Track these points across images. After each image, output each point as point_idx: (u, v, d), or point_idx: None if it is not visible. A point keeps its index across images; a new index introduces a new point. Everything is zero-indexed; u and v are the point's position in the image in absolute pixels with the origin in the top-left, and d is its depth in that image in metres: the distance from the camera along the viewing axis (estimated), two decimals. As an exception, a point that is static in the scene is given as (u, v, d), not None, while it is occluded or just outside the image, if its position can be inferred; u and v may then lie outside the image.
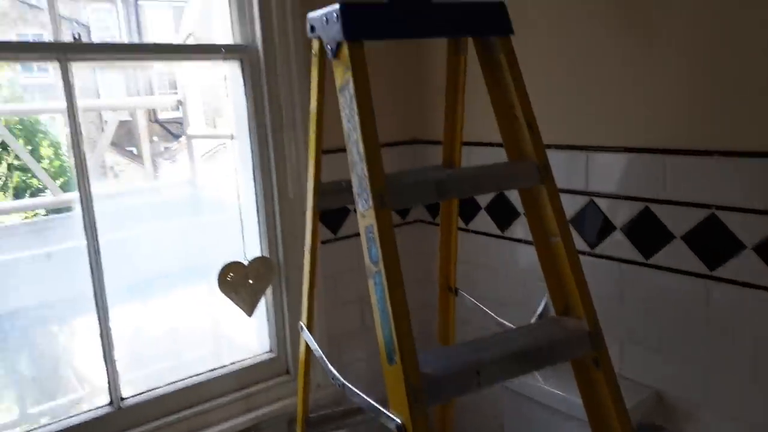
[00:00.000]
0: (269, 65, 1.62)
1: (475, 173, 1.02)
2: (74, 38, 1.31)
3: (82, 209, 1.40)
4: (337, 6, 0.90)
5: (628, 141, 1.41)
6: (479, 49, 1.05)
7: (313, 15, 0.99)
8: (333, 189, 1.22)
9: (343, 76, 0.91)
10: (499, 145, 1.06)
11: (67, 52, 1.31)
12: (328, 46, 0.93)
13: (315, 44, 1.06)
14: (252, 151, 1.67)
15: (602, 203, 1.48)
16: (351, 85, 0.89)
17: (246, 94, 1.65)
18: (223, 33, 1.65)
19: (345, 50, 0.89)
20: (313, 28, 1.00)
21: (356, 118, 0.88)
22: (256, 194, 1.70)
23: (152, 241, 2.18)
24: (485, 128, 1.62)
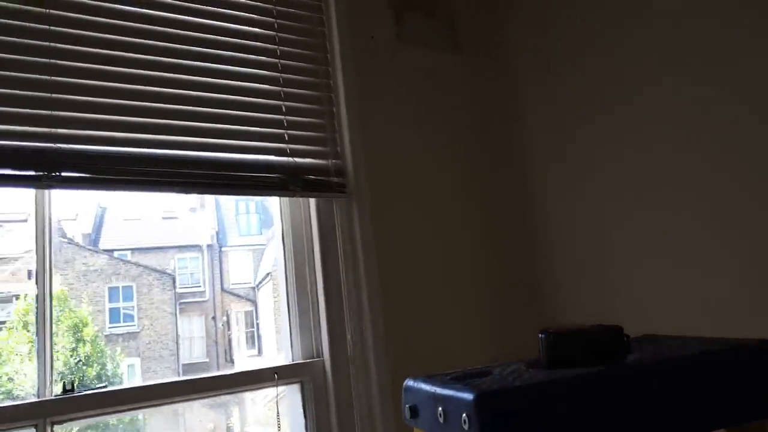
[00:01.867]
0: (339, 387, 1.21)
1: None
2: (64, 389, 0.94)
3: None
4: (467, 396, 0.48)
5: None
6: None
7: (416, 388, 0.57)
8: None
9: None
10: None
11: (48, 415, 0.90)
12: (452, 468, 0.49)
13: (418, 435, 0.62)
14: None
15: None
16: None
17: (307, 427, 1.21)
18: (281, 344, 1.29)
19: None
20: (414, 411, 0.58)
21: None
22: None
23: None
24: None
